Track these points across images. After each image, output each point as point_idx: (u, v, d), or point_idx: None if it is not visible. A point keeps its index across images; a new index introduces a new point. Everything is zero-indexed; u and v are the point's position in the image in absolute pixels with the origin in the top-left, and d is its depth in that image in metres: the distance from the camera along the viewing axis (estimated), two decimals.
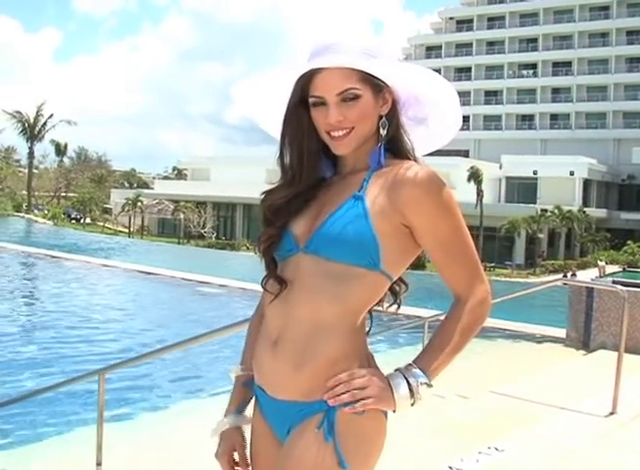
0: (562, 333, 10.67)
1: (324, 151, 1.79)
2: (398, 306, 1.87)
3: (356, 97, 1.69)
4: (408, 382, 1.66)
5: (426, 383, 1.67)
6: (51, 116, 67.92)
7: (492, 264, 42.41)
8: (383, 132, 1.76)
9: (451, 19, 72.47)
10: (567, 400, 6.21)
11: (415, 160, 1.79)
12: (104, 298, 19.06)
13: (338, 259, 1.67)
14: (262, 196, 1.84)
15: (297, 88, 1.76)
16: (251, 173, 47.48)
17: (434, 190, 1.68)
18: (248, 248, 38.97)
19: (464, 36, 70.51)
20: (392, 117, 1.77)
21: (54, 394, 7.41)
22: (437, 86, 1.77)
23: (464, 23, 71.05)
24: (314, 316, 1.68)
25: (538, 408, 6.07)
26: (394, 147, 1.80)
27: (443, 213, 1.69)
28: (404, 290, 1.86)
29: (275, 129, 1.87)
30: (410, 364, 1.70)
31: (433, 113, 1.82)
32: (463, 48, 70.04)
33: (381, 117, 1.76)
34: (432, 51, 72.11)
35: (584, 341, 9.90)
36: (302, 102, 1.76)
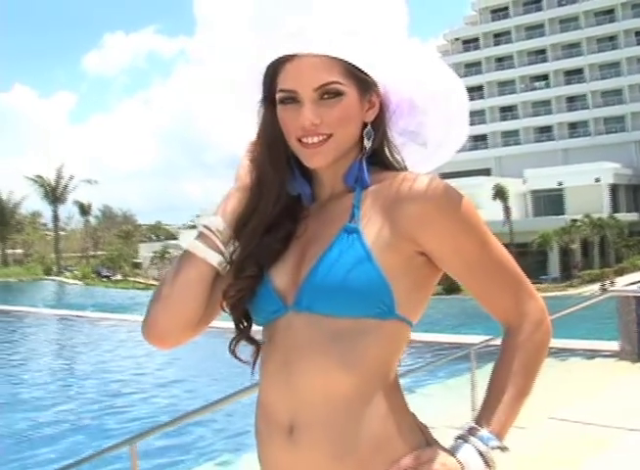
0: (613, 346, 10.18)
1: (299, 168, 1.45)
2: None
3: (338, 94, 1.35)
4: (479, 451, 1.31)
5: (499, 446, 1.32)
6: (72, 177, 68.69)
7: None
8: (367, 144, 1.41)
9: (457, 39, 72.56)
10: (634, 420, 5.82)
11: None
12: (150, 358, 18.75)
13: (341, 314, 1.32)
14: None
15: (266, 79, 1.41)
16: None
17: (449, 202, 1.34)
18: None
19: (472, 56, 70.46)
20: (379, 127, 1.43)
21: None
22: (442, 79, 1.43)
23: (470, 43, 71.08)
24: (329, 391, 1.33)
25: (605, 432, 5.70)
26: (379, 161, 1.46)
27: (465, 229, 1.35)
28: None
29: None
30: (474, 427, 1.33)
31: (432, 122, 1.47)
32: (472, 67, 69.76)
33: (365, 126, 1.41)
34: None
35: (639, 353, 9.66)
36: (268, 100, 1.42)
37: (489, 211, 40.63)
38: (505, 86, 68.77)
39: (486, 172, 59.46)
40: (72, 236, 76.15)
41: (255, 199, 1.44)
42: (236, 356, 1.44)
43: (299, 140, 1.37)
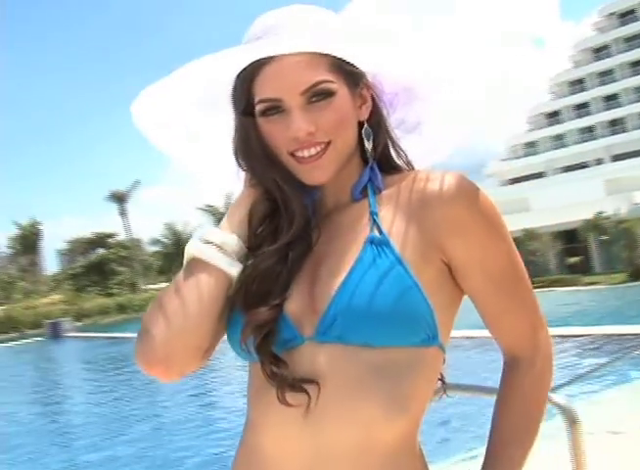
0: None
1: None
2: (444, 391, 1.33)
3: (329, 94, 1.16)
4: None
5: None
6: None
7: None
8: (368, 145, 1.23)
9: (612, 14, 68.79)
10: None
11: None
12: None
13: (380, 344, 1.10)
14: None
15: (242, 90, 1.19)
16: None
17: (479, 204, 1.16)
18: None
19: (632, 29, 66.31)
20: (379, 124, 1.25)
21: None
22: (443, 62, 1.21)
23: (628, 15, 67.05)
24: (370, 442, 1.10)
25: None
26: (384, 162, 1.27)
27: (493, 236, 1.17)
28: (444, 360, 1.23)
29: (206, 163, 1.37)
30: None
31: (434, 110, 1.28)
32: (633, 40, 65.88)
33: (362, 125, 1.23)
34: (599, 52, 69.75)
35: None
36: (247, 114, 1.20)
37: None
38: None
39: None
40: None
41: (271, 216, 1.23)
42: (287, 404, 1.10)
43: (293, 155, 1.18)
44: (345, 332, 1.10)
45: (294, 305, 1.16)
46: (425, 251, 1.15)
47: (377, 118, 1.25)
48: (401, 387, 1.11)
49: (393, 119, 1.29)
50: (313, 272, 1.18)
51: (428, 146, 1.33)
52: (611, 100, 65.20)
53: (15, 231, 64.48)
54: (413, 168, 1.28)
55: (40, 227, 64.87)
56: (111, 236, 61.94)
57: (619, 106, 64.21)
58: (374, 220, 1.18)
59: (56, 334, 33.95)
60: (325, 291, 1.14)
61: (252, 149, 1.21)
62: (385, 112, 1.26)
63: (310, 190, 1.23)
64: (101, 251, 60.49)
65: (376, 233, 1.16)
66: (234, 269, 1.18)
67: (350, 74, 1.19)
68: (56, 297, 53.72)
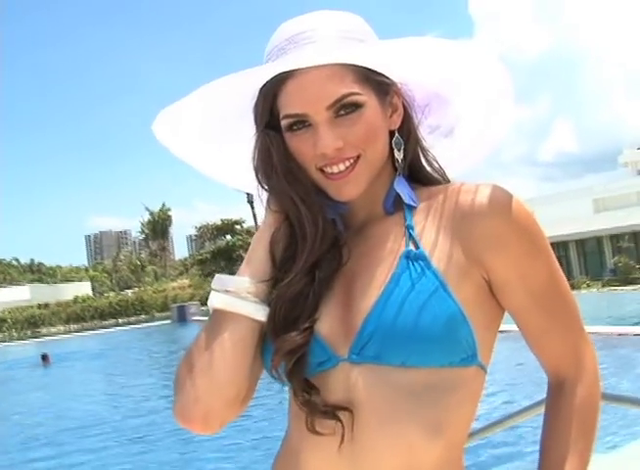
0: None
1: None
2: None
3: (357, 106, 1.09)
4: None
5: None
6: None
7: None
8: (398, 156, 1.17)
9: None
10: None
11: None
12: None
13: (418, 364, 1.05)
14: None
15: (264, 106, 1.13)
16: (575, 207, 44.66)
17: (521, 218, 1.10)
18: (588, 285, 36.10)
19: None
20: (410, 133, 1.19)
21: None
22: (474, 64, 1.14)
23: None
24: (412, 466, 1.05)
25: None
26: (417, 174, 1.22)
27: (534, 250, 1.12)
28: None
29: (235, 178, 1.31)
30: None
31: (467, 113, 1.23)
32: None
33: (392, 135, 1.17)
34: None
35: None
36: (271, 127, 1.14)
37: None
38: None
39: None
40: None
41: (295, 238, 1.15)
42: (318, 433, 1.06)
43: (322, 170, 1.12)
44: (382, 351, 1.06)
45: (327, 326, 1.11)
46: (464, 266, 1.10)
47: (407, 126, 1.20)
48: (440, 409, 1.06)
49: (426, 126, 1.24)
50: (346, 290, 1.13)
51: (464, 148, 1.28)
52: None
53: (146, 217, 67.15)
54: (445, 178, 1.23)
55: (170, 213, 67.32)
56: (238, 223, 63.50)
57: None
58: (410, 234, 1.13)
59: (182, 317, 35.02)
60: (359, 309, 1.10)
61: (274, 164, 1.15)
62: (416, 119, 1.21)
63: (337, 204, 1.17)
64: (228, 237, 62.07)
65: (412, 247, 1.11)
66: (260, 313, 1.13)
67: (379, 84, 1.13)
68: (184, 281, 55.75)
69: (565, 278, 1.15)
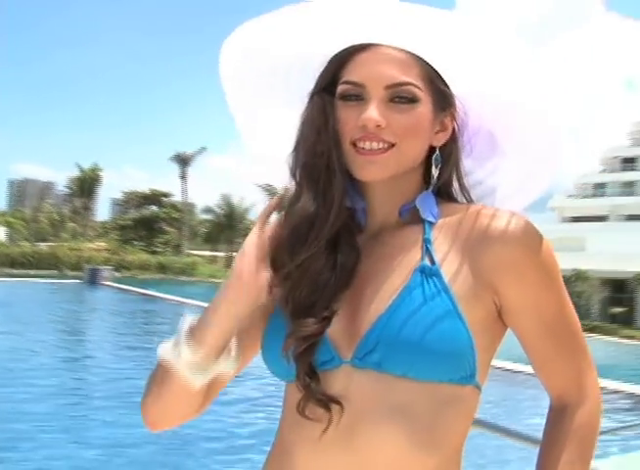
0: None
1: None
2: None
3: (413, 100, 1.11)
4: None
5: None
6: None
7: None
8: (435, 172, 1.18)
9: None
10: None
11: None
12: None
13: (418, 377, 1.06)
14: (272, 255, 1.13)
15: (330, 69, 1.15)
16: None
17: (537, 247, 1.12)
18: None
19: None
20: (450, 156, 1.19)
21: None
22: (542, 117, 1.18)
23: None
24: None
25: None
26: (443, 191, 1.22)
27: (548, 281, 1.14)
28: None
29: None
30: None
31: (508, 168, 1.24)
32: None
33: (433, 150, 1.17)
34: None
35: None
36: (328, 92, 1.15)
37: None
38: None
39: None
40: None
41: (310, 207, 1.12)
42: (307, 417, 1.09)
43: (355, 144, 1.12)
44: (385, 360, 1.07)
45: (335, 325, 1.11)
46: (477, 289, 1.11)
47: (450, 149, 1.20)
48: (434, 423, 1.08)
49: (471, 179, 1.25)
50: (357, 292, 1.14)
51: (494, 201, 1.27)
52: None
53: (76, 173, 65.63)
54: (473, 201, 1.24)
55: (100, 173, 65.86)
56: (166, 195, 62.79)
57: None
58: (427, 248, 1.13)
59: (94, 279, 34.46)
60: (368, 315, 1.10)
61: (327, 123, 1.14)
62: (461, 147, 1.22)
63: (357, 199, 1.19)
64: (154, 208, 61.26)
65: (427, 262, 1.12)
66: (198, 382, 1.12)
67: (440, 93, 1.15)
68: (101, 244, 54.66)
69: (575, 315, 1.18)
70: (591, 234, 44.00)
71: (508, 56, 1.16)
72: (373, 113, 1.10)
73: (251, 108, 1.30)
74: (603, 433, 1.21)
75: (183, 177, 61.72)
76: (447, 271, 1.11)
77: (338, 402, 1.08)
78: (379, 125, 1.10)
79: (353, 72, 1.13)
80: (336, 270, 1.13)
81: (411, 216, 1.19)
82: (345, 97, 1.14)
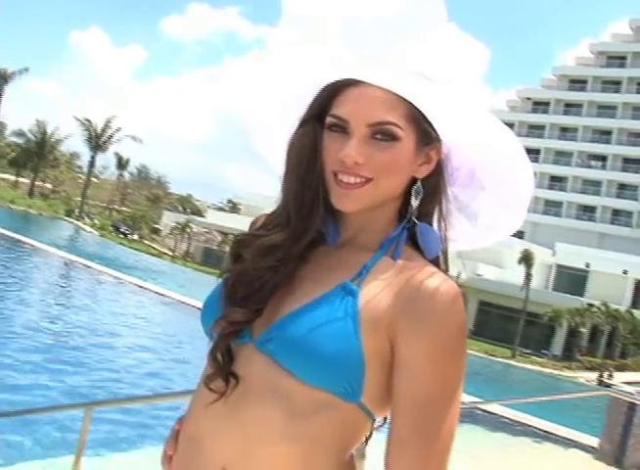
0: (593, 442, 9.69)
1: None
2: (366, 441, 1.26)
3: (394, 138, 1.16)
4: None
5: None
6: (119, 129, 66.66)
7: (528, 351, 41.46)
8: (414, 203, 1.23)
9: (528, 99, 71.84)
10: None
11: (442, 255, 1.25)
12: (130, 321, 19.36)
13: (302, 378, 1.12)
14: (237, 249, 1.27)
15: (324, 97, 1.23)
16: None
17: (453, 318, 1.12)
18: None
19: (538, 118, 69.86)
20: (435, 189, 1.24)
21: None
22: (514, 159, 1.23)
23: (540, 105, 70.53)
24: (267, 452, 1.15)
25: None
26: (420, 220, 1.26)
27: (447, 355, 1.11)
28: (380, 423, 1.23)
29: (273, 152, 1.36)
30: None
31: (488, 201, 1.28)
32: (535, 129, 69.30)
33: (414, 181, 1.23)
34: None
35: (618, 457, 8.96)
36: (315, 119, 1.23)
37: (511, 274, 42.24)
38: (561, 157, 68.28)
39: (520, 235, 54.47)
40: (103, 186, 75.70)
41: (293, 229, 1.21)
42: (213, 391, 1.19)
43: (335, 174, 1.19)
44: (277, 351, 1.15)
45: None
46: (383, 321, 1.13)
47: (434, 182, 1.24)
48: (303, 421, 1.13)
49: (459, 200, 1.28)
50: (290, 291, 1.20)
51: (475, 231, 1.33)
52: None
53: None
54: (443, 251, 1.26)
55: None
56: None
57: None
58: (361, 272, 1.18)
59: None
60: (283, 310, 1.18)
61: (310, 155, 1.21)
62: (446, 182, 1.25)
63: (330, 220, 1.25)
64: None
65: (353, 284, 1.17)
66: None
67: (424, 132, 1.20)
68: None
69: (458, 402, 1.12)
70: None
71: (478, 112, 1.21)
72: (352, 151, 1.15)
73: (271, 139, 1.37)
74: None
75: None
76: (366, 296, 1.15)
77: (236, 377, 1.16)
78: (357, 163, 1.16)
79: (340, 107, 1.18)
80: (278, 274, 1.19)
81: (375, 243, 1.23)
82: (331, 128, 1.20)
